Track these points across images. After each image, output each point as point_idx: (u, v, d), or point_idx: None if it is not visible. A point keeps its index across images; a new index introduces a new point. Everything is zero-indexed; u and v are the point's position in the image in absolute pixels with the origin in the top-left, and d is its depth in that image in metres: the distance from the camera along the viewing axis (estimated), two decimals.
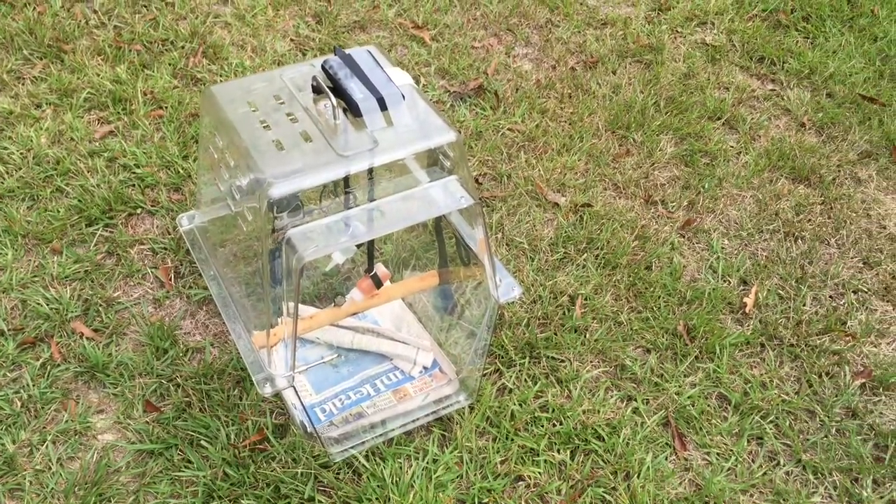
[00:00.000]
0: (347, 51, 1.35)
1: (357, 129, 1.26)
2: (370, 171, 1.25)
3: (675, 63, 2.50)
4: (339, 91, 1.27)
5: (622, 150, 2.18)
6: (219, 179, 1.35)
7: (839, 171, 2.19)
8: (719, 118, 2.32)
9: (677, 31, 2.65)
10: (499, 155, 2.12)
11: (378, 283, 1.50)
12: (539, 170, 2.08)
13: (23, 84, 2.14)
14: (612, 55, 2.49)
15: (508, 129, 2.19)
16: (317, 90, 1.29)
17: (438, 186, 1.28)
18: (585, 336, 1.72)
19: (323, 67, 1.31)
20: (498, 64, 2.41)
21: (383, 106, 1.25)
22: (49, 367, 1.58)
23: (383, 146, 1.23)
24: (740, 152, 2.22)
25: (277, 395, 1.51)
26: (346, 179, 1.26)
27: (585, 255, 1.88)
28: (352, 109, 1.25)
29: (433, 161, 1.32)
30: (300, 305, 1.56)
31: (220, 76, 2.23)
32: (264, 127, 1.25)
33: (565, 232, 1.93)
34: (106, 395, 1.56)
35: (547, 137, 2.17)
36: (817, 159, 2.21)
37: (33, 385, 1.54)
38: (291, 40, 2.40)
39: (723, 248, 1.95)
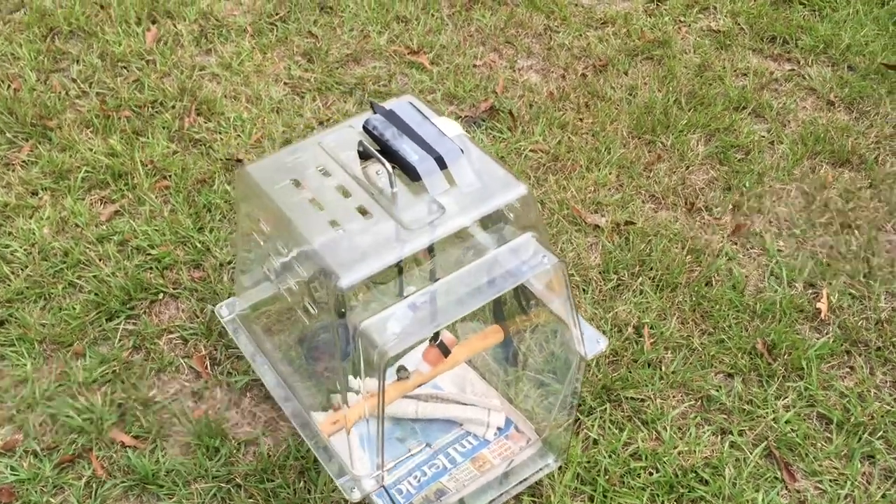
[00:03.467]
0: (387, 105, 1.23)
1: (415, 193, 1.14)
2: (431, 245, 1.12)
3: (687, 55, 2.39)
4: (389, 154, 1.14)
5: (652, 156, 2.07)
6: (267, 267, 1.22)
7: (878, 147, 2.10)
8: (744, 108, 2.21)
9: (680, 21, 2.54)
10: (526, 180, 2.00)
11: (445, 352, 1.37)
12: (571, 190, 1.96)
13: (13, 171, 1.99)
14: (621, 55, 2.38)
15: (531, 151, 2.07)
16: (364, 155, 1.17)
17: (512, 248, 1.15)
18: (661, 369, 1.61)
19: (365, 128, 1.18)
20: (505, 81, 2.29)
21: (442, 165, 1.13)
22: (94, 486, 1.44)
23: (451, 212, 1.11)
24: (773, 141, 2.12)
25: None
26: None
27: (640, 278, 1.77)
28: (408, 174, 1.12)
29: (495, 219, 1.20)
30: (360, 381, 1.42)
31: (220, 133, 2.09)
32: (316, 207, 1.12)
33: (613, 256, 1.81)
34: None
35: (573, 154, 2.06)
36: (854, 139, 2.11)
37: None
38: (285, 83, 2.27)
39: (779, 250, 1.84)
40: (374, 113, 1.22)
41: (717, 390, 1.58)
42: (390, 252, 1.07)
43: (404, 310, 1.12)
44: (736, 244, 1.85)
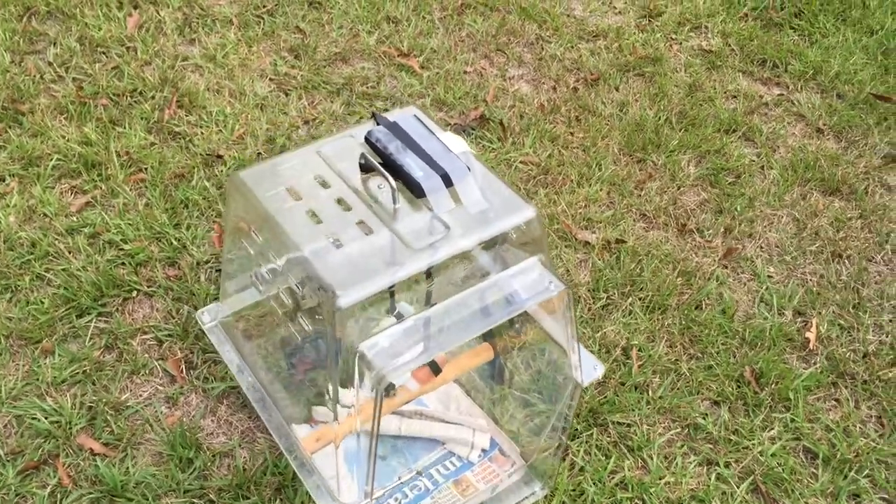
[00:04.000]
0: (391, 117, 1.18)
1: (417, 210, 1.09)
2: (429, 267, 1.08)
3: (678, 73, 2.37)
4: (392, 168, 1.10)
5: (644, 174, 2.04)
6: (254, 273, 1.16)
7: (867, 178, 2.09)
8: (734, 130, 2.20)
9: (672, 38, 2.52)
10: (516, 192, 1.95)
11: (436, 371, 1.33)
12: (562, 205, 1.93)
13: None
14: (612, 70, 2.35)
15: (521, 163, 2.03)
16: (366, 168, 1.12)
17: (514, 273, 1.11)
18: (648, 393, 1.58)
19: (367, 140, 1.13)
20: (496, 89, 2.25)
21: (448, 182, 1.08)
22: (59, 496, 1.37)
23: (455, 232, 1.06)
24: (763, 166, 2.10)
25: None
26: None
27: (630, 298, 1.74)
28: (413, 190, 1.08)
29: (498, 240, 1.15)
30: (353, 395, 1.37)
31: (201, 127, 2.02)
32: (313, 219, 1.07)
33: (603, 274, 1.78)
34: None
35: (563, 168, 2.02)
36: (843, 168, 2.10)
37: None
38: (271, 79, 2.20)
39: (769, 276, 1.83)
40: (377, 124, 1.17)
41: (704, 418, 1.55)
42: (390, 272, 1.02)
43: (400, 333, 1.07)
44: (727, 268, 1.83)
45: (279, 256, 1.10)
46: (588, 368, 1.24)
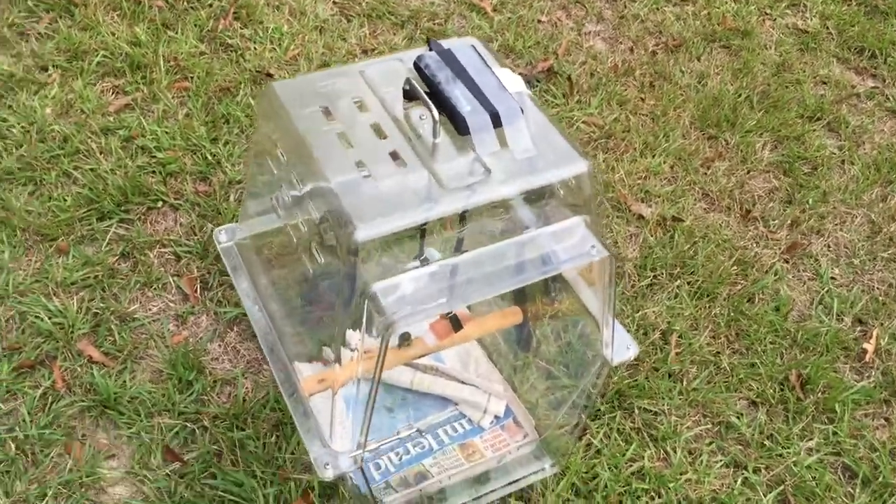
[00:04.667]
0: (445, 43, 1.07)
1: (460, 149, 0.98)
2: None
3: (767, 50, 2.21)
4: (438, 99, 0.99)
5: (713, 152, 1.90)
6: (276, 197, 1.07)
7: None
8: (819, 119, 2.03)
9: (766, 13, 2.35)
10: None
11: (457, 327, 1.23)
12: (620, 173, 1.80)
13: (26, 41, 1.84)
14: (697, 38, 2.20)
15: (584, 123, 1.91)
16: (409, 96, 1.01)
17: (556, 231, 1.00)
18: (682, 383, 1.47)
19: (416, 66, 1.03)
20: (569, 43, 2.11)
21: (497, 122, 0.97)
22: (50, 399, 1.31)
23: (496, 177, 0.96)
24: (844, 160, 1.95)
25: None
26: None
27: (678, 281, 1.62)
28: (456, 125, 0.97)
29: (541, 195, 1.04)
30: (359, 338, 1.28)
31: (254, 42, 1.93)
32: (344, 143, 0.97)
33: (653, 252, 1.66)
34: (118, 436, 1.30)
35: (628, 134, 1.89)
36: None
37: (31, 422, 1.28)
38: (334, 2, 2.10)
39: (833, 278, 1.69)
40: (430, 50, 1.06)
41: (739, 418, 1.44)
42: (419, 210, 0.92)
43: (423, 279, 0.98)
44: (788, 263, 1.70)
45: (303, 182, 1.01)
46: (621, 347, 1.14)
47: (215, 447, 1.29)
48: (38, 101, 1.71)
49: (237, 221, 1.29)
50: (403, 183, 0.94)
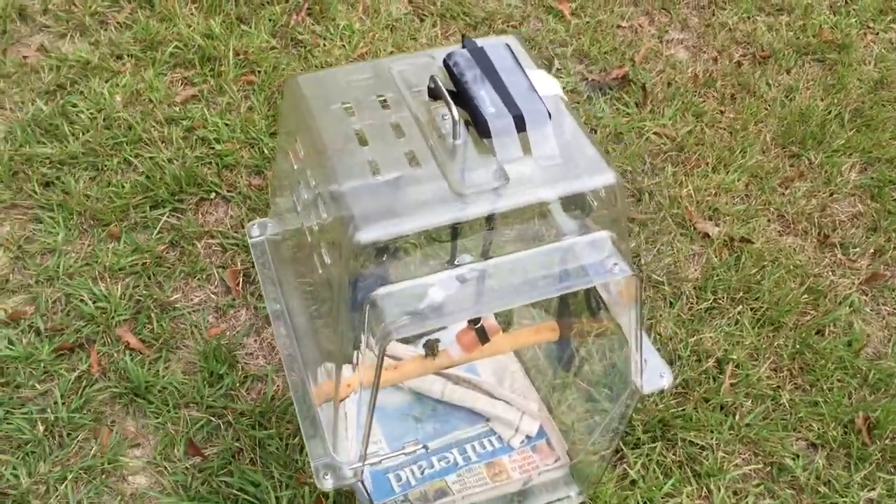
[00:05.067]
0: (479, 41, 1.02)
1: (481, 153, 0.93)
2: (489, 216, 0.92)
3: (865, 66, 2.06)
4: (463, 99, 0.94)
5: (794, 171, 1.78)
6: (296, 195, 1.04)
7: None
8: None
9: (868, 26, 2.20)
10: (640, 165, 1.75)
11: (483, 339, 1.18)
12: (689, 188, 1.71)
13: (105, 30, 1.88)
14: (788, 50, 2.07)
15: (654, 134, 1.82)
16: (433, 94, 0.97)
17: (592, 242, 0.94)
18: (735, 417, 1.37)
19: (445, 63, 0.98)
20: (648, 50, 2.02)
21: (521, 126, 0.92)
22: (84, 383, 1.33)
23: (515, 184, 0.90)
24: None
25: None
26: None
27: (740, 307, 1.51)
28: (478, 127, 0.92)
29: (576, 201, 0.98)
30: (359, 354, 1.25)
31: (325, 39, 1.92)
32: (360, 140, 0.94)
33: (716, 273, 1.56)
34: (145, 425, 1.30)
35: (702, 148, 1.79)
36: None
37: (63, 405, 1.29)
38: (410, 1, 2.07)
39: None
40: (463, 47, 1.01)
41: (794, 459, 1.33)
42: (428, 215, 0.87)
43: (448, 282, 0.93)
44: (866, 295, 1.57)
45: (316, 180, 0.98)
46: (654, 375, 1.06)
47: (237, 444, 1.27)
48: (108, 88, 1.74)
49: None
50: (414, 185, 0.89)
